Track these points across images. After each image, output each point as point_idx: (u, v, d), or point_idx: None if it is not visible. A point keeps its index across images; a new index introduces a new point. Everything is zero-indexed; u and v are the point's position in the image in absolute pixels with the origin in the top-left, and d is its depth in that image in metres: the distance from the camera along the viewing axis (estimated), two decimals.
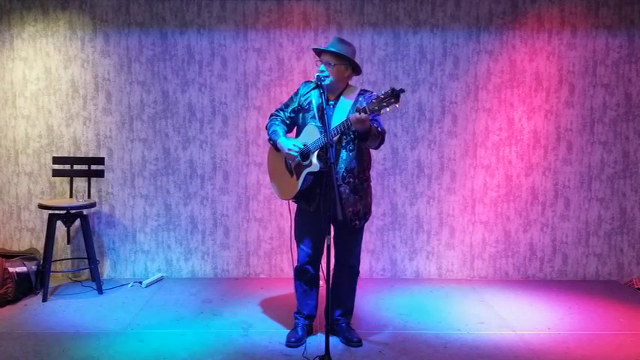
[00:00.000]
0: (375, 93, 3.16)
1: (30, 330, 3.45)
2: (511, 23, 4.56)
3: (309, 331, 3.37)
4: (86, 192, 4.45)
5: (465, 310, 3.88)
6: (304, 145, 3.08)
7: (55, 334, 3.38)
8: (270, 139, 3.25)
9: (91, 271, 4.29)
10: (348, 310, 3.38)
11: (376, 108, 2.83)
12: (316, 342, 3.27)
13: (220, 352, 3.15)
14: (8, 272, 3.93)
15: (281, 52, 4.55)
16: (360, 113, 2.85)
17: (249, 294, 4.20)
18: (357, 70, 3.17)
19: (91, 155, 4.57)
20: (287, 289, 4.14)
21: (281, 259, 4.65)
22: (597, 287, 4.45)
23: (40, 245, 4.50)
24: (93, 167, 4.49)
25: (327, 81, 3.07)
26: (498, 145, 4.62)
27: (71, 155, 4.57)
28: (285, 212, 4.55)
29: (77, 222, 4.33)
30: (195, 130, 4.60)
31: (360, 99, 3.13)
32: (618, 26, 4.56)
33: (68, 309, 3.84)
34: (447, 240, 4.67)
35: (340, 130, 2.97)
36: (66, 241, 4.57)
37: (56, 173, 4.50)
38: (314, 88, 3.18)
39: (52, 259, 4.16)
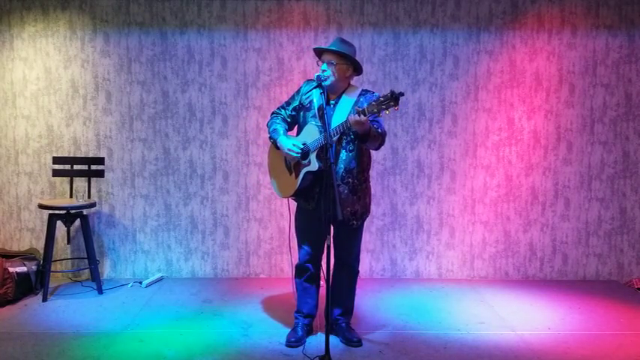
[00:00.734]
0: (376, 93, 3.17)
1: (30, 330, 3.45)
2: (511, 23, 4.56)
3: (309, 331, 3.37)
4: (86, 192, 4.45)
5: (465, 310, 3.88)
6: (304, 145, 3.08)
7: (55, 334, 3.38)
8: (270, 137, 3.26)
9: (91, 271, 4.29)
10: (348, 309, 3.38)
11: (375, 110, 2.84)
12: (316, 342, 3.27)
13: (220, 352, 3.15)
14: (8, 272, 3.93)
15: (281, 52, 4.55)
16: (359, 115, 2.86)
17: (249, 294, 4.20)
18: (358, 69, 3.18)
19: (91, 155, 4.57)
20: (287, 289, 4.13)
21: (281, 259, 4.65)
22: (597, 287, 4.45)
23: (40, 245, 4.50)
24: (93, 167, 4.49)
25: (329, 81, 3.07)
26: (498, 145, 4.62)
27: (71, 155, 4.57)
28: (285, 212, 4.55)
29: (77, 222, 4.33)
30: (195, 130, 4.60)
31: (361, 99, 3.13)
32: (618, 26, 4.56)
33: (68, 309, 3.84)
34: (447, 240, 4.67)
35: (339, 130, 2.98)
36: (66, 241, 4.57)
37: (56, 173, 4.50)
38: (315, 87, 3.19)
39: (52, 259, 4.16)
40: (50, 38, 4.52)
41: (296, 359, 3.06)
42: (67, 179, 4.52)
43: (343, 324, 3.33)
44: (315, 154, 3.04)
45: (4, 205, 4.61)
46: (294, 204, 3.38)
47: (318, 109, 3.09)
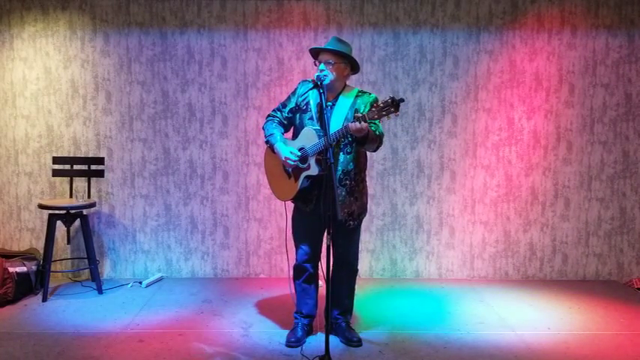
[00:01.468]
0: (373, 94, 3.18)
1: (30, 330, 3.45)
2: (511, 23, 4.56)
3: (309, 331, 3.37)
4: (86, 192, 4.46)
5: (465, 310, 3.88)
6: (301, 149, 3.07)
7: (55, 334, 3.38)
8: (267, 142, 3.24)
9: (90, 271, 4.29)
10: (347, 309, 3.38)
11: (375, 117, 2.85)
12: (316, 342, 3.27)
13: (220, 352, 3.15)
14: (8, 272, 3.93)
15: (281, 52, 4.55)
16: (359, 122, 2.85)
17: (249, 294, 4.20)
18: (355, 68, 3.19)
19: (91, 155, 4.57)
20: (287, 289, 4.12)
21: (281, 259, 4.65)
22: (597, 287, 4.45)
23: (40, 245, 4.50)
24: (93, 167, 4.49)
25: (327, 80, 3.06)
26: (498, 145, 4.62)
27: (71, 155, 4.57)
28: (285, 212, 4.55)
29: (77, 222, 4.33)
30: (195, 130, 4.60)
31: (358, 100, 3.13)
32: (618, 26, 4.56)
33: (68, 309, 3.84)
34: (447, 240, 4.67)
35: (338, 136, 2.97)
36: (66, 241, 4.57)
37: (56, 173, 4.50)
38: (312, 88, 3.18)
39: (52, 259, 4.16)
40: (50, 38, 4.52)
41: (296, 359, 3.06)
42: (67, 179, 4.52)
43: (343, 324, 3.33)
44: (314, 158, 3.04)
45: (4, 205, 4.61)
46: (290, 205, 3.37)
47: (318, 110, 3.08)
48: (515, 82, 4.59)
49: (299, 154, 3.06)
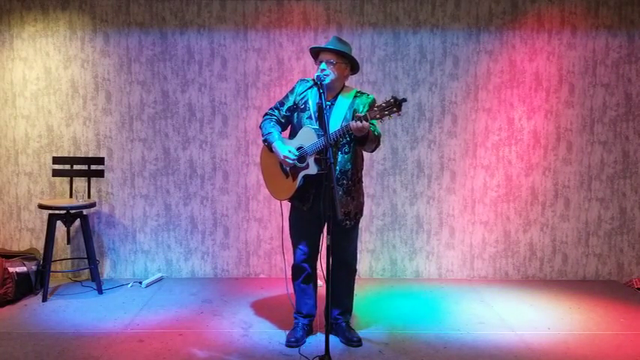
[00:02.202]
0: (371, 95, 3.19)
1: (30, 330, 3.44)
2: (511, 23, 4.56)
3: (309, 331, 3.37)
4: (86, 192, 4.46)
5: (465, 310, 3.88)
6: (300, 149, 3.07)
7: (55, 334, 3.38)
8: (265, 141, 3.23)
9: (90, 271, 4.29)
10: (347, 309, 3.38)
11: (377, 116, 2.85)
12: (316, 342, 3.27)
13: (220, 351, 3.15)
14: (8, 272, 3.93)
15: (281, 52, 4.55)
16: (360, 121, 2.85)
17: (249, 294, 4.20)
18: (355, 68, 3.19)
19: (90, 155, 4.57)
20: (287, 289, 4.13)
21: (281, 259, 4.64)
22: (597, 287, 4.45)
23: (40, 245, 4.50)
24: (93, 167, 4.49)
25: (328, 79, 3.06)
26: (498, 145, 4.62)
27: (71, 155, 4.57)
28: (285, 212, 4.54)
29: (77, 222, 4.33)
30: (195, 130, 4.60)
31: (357, 101, 3.14)
32: (618, 26, 4.56)
33: (68, 309, 3.84)
34: (447, 240, 4.67)
35: (338, 135, 2.97)
36: (66, 241, 4.57)
37: (56, 173, 4.50)
38: (311, 87, 3.18)
39: (52, 259, 4.16)
40: (50, 38, 4.52)
41: (295, 359, 3.06)
42: (66, 179, 4.52)
43: (343, 324, 3.33)
44: (313, 157, 3.04)
45: (4, 205, 4.62)
46: (287, 204, 3.37)
47: (317, 109, 3.08)
48: (515, 82, 4.59)
49: (297, 153, 3.06)
